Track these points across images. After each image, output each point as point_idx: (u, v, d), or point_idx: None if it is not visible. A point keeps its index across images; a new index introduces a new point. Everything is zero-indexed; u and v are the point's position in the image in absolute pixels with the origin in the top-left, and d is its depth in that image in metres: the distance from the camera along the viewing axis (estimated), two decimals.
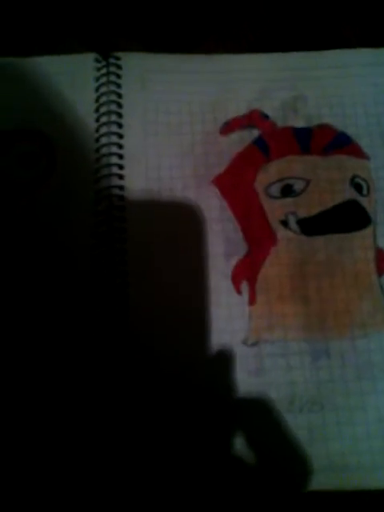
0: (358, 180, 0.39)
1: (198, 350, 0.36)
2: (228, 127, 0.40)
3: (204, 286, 0.37)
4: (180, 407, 0.34)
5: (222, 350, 0.35)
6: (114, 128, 0.39)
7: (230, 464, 0.33)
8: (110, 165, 0.38)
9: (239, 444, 0.33)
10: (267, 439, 0.34)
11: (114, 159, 0.39)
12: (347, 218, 0.38)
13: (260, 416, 0.34)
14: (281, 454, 0.34)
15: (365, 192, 0.39)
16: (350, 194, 0.38)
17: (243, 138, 0.40)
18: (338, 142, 0.40)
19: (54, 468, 0.33)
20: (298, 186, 0.39)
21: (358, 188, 0.39)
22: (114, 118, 0.40)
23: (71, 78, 0.40)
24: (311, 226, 0.38)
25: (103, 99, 0.40)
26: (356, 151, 0.40)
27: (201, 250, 0.37)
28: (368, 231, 0.38)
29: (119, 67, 0.41)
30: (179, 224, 0.38)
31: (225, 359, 0.35)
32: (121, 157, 0.39)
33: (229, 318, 0.36)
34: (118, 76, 0.41)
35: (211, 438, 0.34)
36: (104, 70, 0.41)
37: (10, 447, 0.33)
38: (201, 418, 0.34)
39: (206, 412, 0.34)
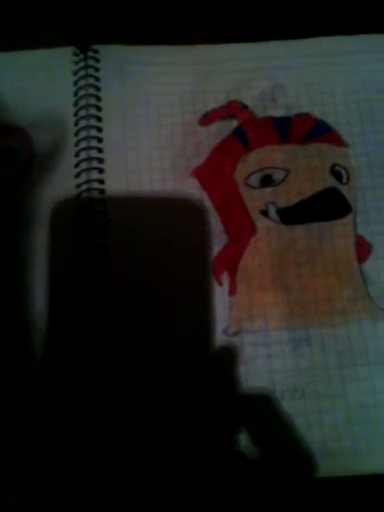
0: (337, 168, 0.39)
1: (183, 341, 0.36)
2: (207, 118, 0.40)
3: (185, 277, 0.37)
4: (175, 401, 0.35)
5: (218, 343, 0.36)
6: (93, 121, 0.39)
7: (233, 457, 0.34)
8: (89, 158, 0.39)
9: (242, 437, 0.34)
10: (270, 431, 0.34)
11: (94, 153, 0.39)
12: (327, 206, 0.38)
13: (262, 408, 0.35)
14: (284, 445, 0.34)
15: (344, 180, 0.39)
16: (329, 182, 0.39)
17: (222, 129, 0.40)
18: (318, 131, 0.40)
19: (53, 463, 0.33)
20: (278, 175, 0.39)
21: (337, 176, 0.39)
22: (92, 111, 0.40)
23: (49, 72, 0.40)
24: (291, 215, 0.38)
25: (82, 92, 0.40)
26: (335, 139, 0.40)
27: (181, 240, 0.37)
28: (348, 219, 0.38)
29: (97, 60, 0.41)
30: (159, 215, 0.38)
31: (221, 352, 0.35)
32: (100, 150, 0.39)
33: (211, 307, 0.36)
34: (97, 69, 0.41)
35: (213, 431, 0.34)
36: (82, 64, 0.41)
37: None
38: (201, 411, 0.34)
39: (206, 405, 0.35)
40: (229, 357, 0.35)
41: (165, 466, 0.34)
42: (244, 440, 0.34)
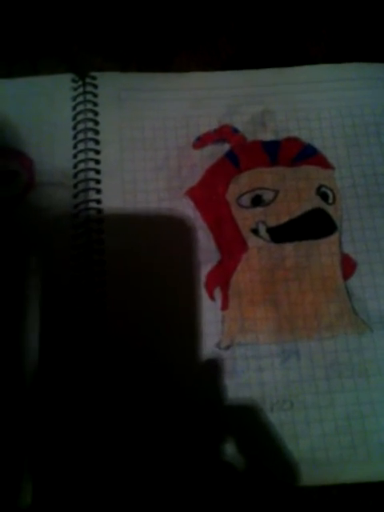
0: (324, 189, 0.41)
1: (176, 356, 0.37)
2: (200, 142, 0.42)
3: (180, 294, 0.38)
4: (162, 413, 0.36)
5: (209, 357, 0.37)
6: (91, 144, 0.41)
7: (219, 467, 0.35)
8: (87, 180, 0.40)
9: (228, 448, 0.35)
10: (255, 442, 0.36)
11: (92, 174, 0.40)
12: (314, 225, 0.40)
13: (248, 420, 0.36)
14: (269, 455, 0.35)
15: (330, 200, 0.41)
16: (316, 202, 0.40)
17: (215, 152, 0.42)
18: (305, 154, 0.42)
19: (43, 472, 0.34)
20: (268, 196, 0.41)
21: (324, 197, 0.41)
22: (90, 134, 0.41)
23: (49, 98, 0.42)
24: (280, 234, 0.40)
25: (80, 117, 0.42)
26: (322, 162, 0.42)
27: (176, 259, 0.39)
28: (334, 238, 0.40)
29: (95, 86, 0.43)
30: (155, 234, 0.40)
31: (210, 366, 0.37)
32: (98, 172, 0.41)
33: (203, 322, 0.38)
34: (95, 95, 0.42)
35: (204, 442, 0.35)
36: (80, 90, 0.42)
37: None
38: (191, 423, 0.36)
39: (192, 417, 0.36)
40: (220, 370, 0.37)
41: (154, 476, 0.35)
42: (231, 451, 0.35)
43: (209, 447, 0.35)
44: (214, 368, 0.37)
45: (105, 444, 0.35)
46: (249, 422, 0.36)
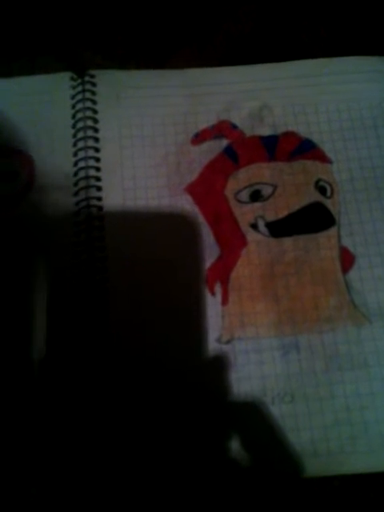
0: (322, 183, 0.41)
1: (177, 351, 0.38)
2: (199, 138, 0.43)
3: (181, 289, 0.39)
4: (164, 407, 0.36)
5: (209, 351, 0.37)
6: (91, 142, 0.42)
7: (224, 464, 0.35)
8: (87, 177, 0.41)
9: (231, 442, 0.35)
10: (258, 435, 0.36)
11: (92, 172, 0.41)
12: (313, 219, 0.40)
13: (250, 413, 0.36)
14: (271, 448, 0.36)
15: (329, 194, 0.41)
16: (314, 196, 0.41)
17: (213, 148, 0.42)
18: (303, 148, 0.42)
19: (44, 471, 0.35)
20: (266, 191, 0.41)
21: (322, 191, 0.41)
22: (90, 132, 0.42)
23: (48, 96, 0.43)
24: (279, 228, 0.40)
25: (79, 115, 0.42)
26: (320, 156, 0.42)
27: (176, 253, 0.39)
28: (332, 231, 0.40)
29: (94, 84, 0.43)
30: (155, 231, 0.40)
31: (211, 360, 0.37)
32: (98, 169, 0.41)
33: (204, 317, 0.38)
34: (93, 93, 0.43)
35: (207, 437, 0.36)
36: (79, 88, 0.43)
37: None
38: (194, 418, 0.36)
39: (194, 412, 0.36)
40: (221, 364, 0.37)
41: (157, 471, 0.35)
42: (234, 445, 0.35)
43: (211, 442, 0.36)
44: (214, 362, 0.37)
45: (106, 438, 0.35)
46: (251, 416, 0.36)
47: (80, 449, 0.35)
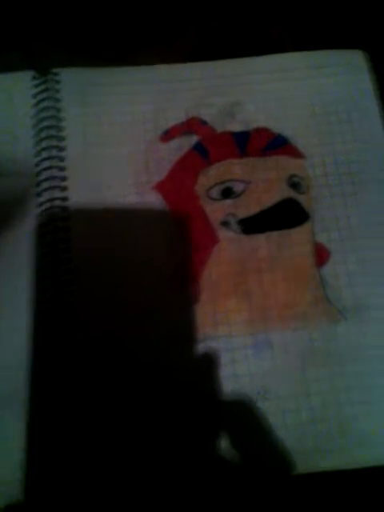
0: (295, 179, 0.40)
1: (147, 353, 0.36)
2: (168, 135, 0.41)
3: (150, 290, 0.37)
4: (146, 409, 0.35)
5: (181, 352, 0.36)
6: (54, 142, 0.40)
7: (215, 462, 0.34)
8: (51, 178, 0.39)
9: (223, 443, 0.34)
10: (249, 436, 0.35)
11: (56, 172, 0.39)
12: (285, 215, 0.39)
13: (239, 414, 0.35)
14: (262, 446, 0.35)
15: (302, 190, 0.40)
16: (287, 192, 0.40)
17: (183, 145, 0.41)
18: (275, 144, 0.41)
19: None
20: (238, 187, 0.40)
21: (295, 186, 0.40)
22: (53, 132, 0.40)
23: (9, 95, 0.41)
24: (251, 225, 0.39)
25: (42, 115, 0.41)
26: (292, 151, 0.41)
27: (144, 253, 0.38)
28: (306, 227, 0.39)
29: (57, 82, 0.42)
30: (123, 231, 0.39)
31: (184, 361, 0.36)
32: (62, 169, 0.39)
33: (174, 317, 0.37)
34: (57, 91, 0.41)
35: (186, 436, 0.35)
36: (42, 87, 0.41)
37: None
38: (169, 419, 0.35)
39: (174, 413, 0.35)
40: (199, 364, 0.36)
41: (148, 471, 0.34)
42: (224, 444, 0.34)
43: (197, 440, 0.35)
44: (191, 362, 0.36)
45: (91, 441, 0.34)
46: (239, 414, 0.35)
47: (68, 447, 0.34)
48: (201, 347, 0.36)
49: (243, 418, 0.35)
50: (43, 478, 0.33)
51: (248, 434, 0.35)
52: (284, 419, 0.35)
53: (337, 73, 0.44)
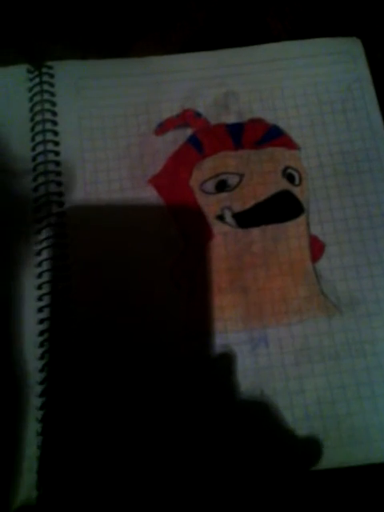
0: (290, 171, 0.40)
1: (144, 348, 0.37)
2: (162, 128, 0.41)
3: (146, 285, 0.38)
4: (137, 408, 0.36)
5: (177, 347, 0.36)
6: (50, 136, 0.40)
7: (210, 457, 0.34)
8: (47, 172, 0.39)
9: (217, 438, 0.35)
10: (244, 432, 0.35)
11: (51, 166, 0.39)
12: (281, 208, 0.39)
13: (234, 409, 0.35)
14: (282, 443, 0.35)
15: (297, 182, 0.40)
16: (282, 184, 0.40)
17: (177, 138, 0.41)
18: (270, 135, 0.41)
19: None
20: (232, 180, 0.40)
21: (290, 178, 0.40)
22: (48, 126, 0.40)
23: (4, 90, 0.41)
24: (246, 219, 0.39)
25: (37, 108, 0.41)
26: (287, 143, 0.41)
27: (140, 247, 0.38)
28: (301, 220, 0.39)
29: (52, 76, 0.41)
30: (118, 225, 0.39)
31: (180, 356, 0.36)
32: (58, 163, 0.40)
33: (170, 313, 0.37)
34: (52, 84, 0.41)
35: (191, 433, 0.35)
36: (37, 80, 0.41)
37: None
38: (177, 414, 0.35)
39: (183, 407, 0.35)
40: (189, 360, 0.36)
41: (154, 472, 0.34)
42: (218, 439, 0.35)
43: (193, 438, 0.35)
44: (185, 359, 0.36)
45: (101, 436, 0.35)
46: (231, 410, 0.36)
47: (78, 448, 0.34)
48: (197, 343, 0.36)
49: (238, 413, 0.35)
50: (55, 478, 0.34)
51: (243, 429, 0.35)
52: (279, 415, 0.35)
53: (333, 61, 0.43)
